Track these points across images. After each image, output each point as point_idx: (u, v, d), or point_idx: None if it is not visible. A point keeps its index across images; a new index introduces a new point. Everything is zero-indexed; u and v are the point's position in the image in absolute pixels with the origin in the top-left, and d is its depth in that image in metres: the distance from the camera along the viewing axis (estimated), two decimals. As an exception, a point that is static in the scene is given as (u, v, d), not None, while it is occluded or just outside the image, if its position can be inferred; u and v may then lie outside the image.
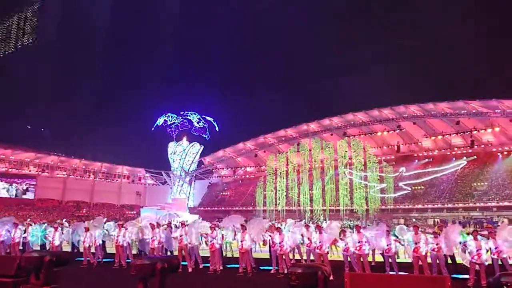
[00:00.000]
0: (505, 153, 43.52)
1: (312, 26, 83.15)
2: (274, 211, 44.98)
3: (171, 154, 60.26)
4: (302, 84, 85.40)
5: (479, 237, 11.16)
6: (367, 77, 76.99)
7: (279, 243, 12.42)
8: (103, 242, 15.77)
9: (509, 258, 11.21)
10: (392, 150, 49.20)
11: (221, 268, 13.19)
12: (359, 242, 12.08)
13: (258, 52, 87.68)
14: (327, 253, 12.72)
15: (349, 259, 12.32)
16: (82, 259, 14.55)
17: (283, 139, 55.12)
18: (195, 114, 60.73)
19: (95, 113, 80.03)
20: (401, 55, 74.36)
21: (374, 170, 43.08)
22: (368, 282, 7.50)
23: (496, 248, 10.93)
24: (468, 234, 12.39)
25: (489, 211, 38.07)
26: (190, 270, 13.10)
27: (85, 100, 77.14)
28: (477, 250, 10.61)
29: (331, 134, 50.64)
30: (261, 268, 13.47)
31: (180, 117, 60.23)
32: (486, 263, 10.63)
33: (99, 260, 14.84)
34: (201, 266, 13.71)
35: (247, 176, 60.89)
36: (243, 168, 61.44)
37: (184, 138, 60.78)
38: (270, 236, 13.24)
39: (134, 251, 15.65)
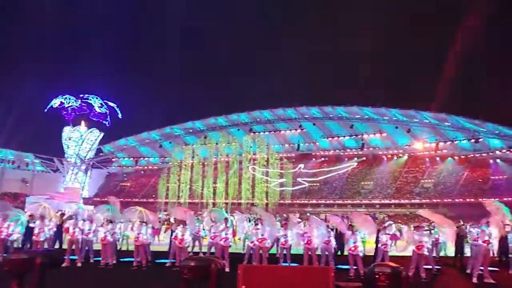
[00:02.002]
0: (389, 156, 48.64)
1: (227, 24, 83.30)
2: (176, 204, 44.30)
3: (65, 139, 55.68)
4: (213, 79, 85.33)
5: (360, 231, 12.32)
6: (275, 77, 79.81)
7: (181, 235, 12.29)
8: None
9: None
10: (292, 148, 51.74)
11: (114, 262, 12.62)
12: (262, 235, 12.52)
13: (171, 44, 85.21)
14: (230, 246, 12.94)
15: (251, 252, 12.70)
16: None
17: (191, 131, 54.40)
18: (97, 98, 56.89)
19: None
20: (310, 58, 78.48)
21: (275, 166, 45.00)
22: (260, 274, 7.83)
23: (386, 241, 12.23)
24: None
25: (373, 208, 42.22)
26: (79, 264, 12.30)
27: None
28: (354, 243, 11.69)
29: (238, 129, 51.46)
30: (157, 261, 13.19)
31: (80, 100, 55.96)
32: (361, 254, 11.77)
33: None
34: (91, 260, 12.95)
35: (150, 167, 58.92)
36: (146, 159, 59.26)
37: (82, 123, 56.59)
38: (172, 229, 13.05)
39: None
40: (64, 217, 14.77)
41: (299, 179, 46.60)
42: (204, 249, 14.55)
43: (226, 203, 43.52)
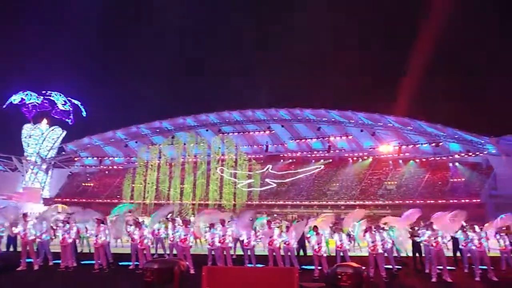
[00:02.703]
0: (355, 158, 49.68)
1: (200, 24, 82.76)
2: (141, 205, 43.46)
3: (25, 137, 53.56)
4: (182, 78, 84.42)
5: (321, 230, 12.45)
6: (245, 78, 79.93)
7: (139, 237, 12.05)
8: None
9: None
10: (261, 150, 51.90)
11: (74, 264, 12.22)
12: (223, 235, 12.48)
13: (139, 41, 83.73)
14: (191, 247, 12.79)
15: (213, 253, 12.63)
16: None
17: (158, 130, 53.41)
18: (60, 95, 55.05)
19: None
20: (277, 62, 79.15)
21: (243, 167, 45.05)
22: (224, 275, 7.82)
23: (340, 241, 12.40)
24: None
25: (338, 209, 42.90)
26: (36, 267, 11.81)
27: None
28: (318, 244, 11.83)
29: (207, 130, 51.06)
30: (120, 264, 12.88)
31: (42, 97, 53.98)
32: (325, 255, 11.93)
33: None
34: (51, 263, 12.47)
35: (115, 167, 57.41)
36: (110, 158, 57.70)
37: (44, 121, 54.59)
38: (129, 232, 12.76)
39: None
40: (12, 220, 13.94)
41: (267, 180, 46.89)
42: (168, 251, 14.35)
43: (193, 204, 43.15)
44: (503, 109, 52.04)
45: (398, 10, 70.21)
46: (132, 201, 44.20)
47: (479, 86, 60.18)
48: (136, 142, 53.76)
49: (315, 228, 12.35)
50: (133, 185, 45.78)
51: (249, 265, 12.37)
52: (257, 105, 48.05)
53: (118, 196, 48.36)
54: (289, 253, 12.36)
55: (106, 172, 57.46)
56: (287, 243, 12.30)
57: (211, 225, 12.85)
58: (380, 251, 11.57)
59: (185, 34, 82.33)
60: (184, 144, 47.11)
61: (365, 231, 12.27)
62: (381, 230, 12.45)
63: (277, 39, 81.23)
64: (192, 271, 11.21)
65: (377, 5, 71.46)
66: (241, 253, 14.27)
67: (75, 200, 49.41)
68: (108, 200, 48.78)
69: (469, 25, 60.25)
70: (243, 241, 13.02)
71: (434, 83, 61.08)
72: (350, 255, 13.03)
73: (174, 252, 13.17)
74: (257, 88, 75.20)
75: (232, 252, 13.94)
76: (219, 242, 12.31)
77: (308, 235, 12.82)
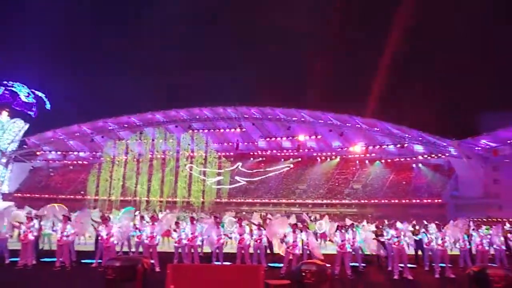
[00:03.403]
0: (323, 158, 50.54)
1: (172, 19, 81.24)
2: (107, 201, 42.38)
3: (-16, 129, 51.14)
4: (151, 73, 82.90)
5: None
6: (221, 74, 79.45)
7: (106, 234, 11.72)
8: None
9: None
10: (231, 147, 51.79)
11: (34, 262, 11.75)
12: (191, 233, 12.34)
13: (111, 34, 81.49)
14: (157, 244, 12.56)
15: (180, 251, 12.47)
16: None
17: (126, 125, 52.26)
18: (23, 86, 52.79)
19: None
20: (261, 60, 79.09)
21: (213, 165, 44.79)
22: (189, 273, 7.72)
23: (307, 239, 12.53)
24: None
25: (306, 207, 43.57)
26: (-9, 265, 11.28)
27: None
28: (293, 241, 11.91)
29: (176, 126, 50.37)
30: (82, 261, 12.51)
31: (3, 87, 51.61)
32: (298, 253, 12.04)
33: None
34: (7, 261, 11.93)
35: (79, 162, 55.71)
36: (75, 153, 55.93)
37: (4, 113, 52.22)
38: (95, 229, 12.41)
39: None
40: None
41: (236, 178, 46.87)
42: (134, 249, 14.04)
43: (161, 201, 42.51)
44: (465, 113, 54.30)
45: (369, 13, 71.80)
46: (96, 197, 43.14)
47: (443, 90, 62.49)
48: (103, 136, 52.37)
49: (294, 225, 12.41)
50: (99, 181, 44.56)
51: (217, 263, 12.30)
52: (228, 102, 47.88)
53: (82, 192, 47.02)
54: (258, 251, 12.38)
55: (71, 167, 55.75)
56: (258, 240, 12.31)
57: (177, 224, 12.71)
58: (349, 249, 11.80)
59: (158, 28, 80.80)
60: (153, 140, 46.34)
61: (338, 229, 12.49)
62: (354, 229, 12.73)
63: (251, 38, 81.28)
64: (157, 269, 11.04)
65: (349, 6, 72.82)
66: (209, 251, 14.20)
67: (37, 195, 47.61)
68: (72, 196, 47.37)
69: (438, 30, 62.43)
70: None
71: (401, 86, 62.96)
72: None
73: (141, 249, 12.91)
74: (229, 86, 74.90)
75: (199, 250, 13.81)
76: (188, 240, 12.17)
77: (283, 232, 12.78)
